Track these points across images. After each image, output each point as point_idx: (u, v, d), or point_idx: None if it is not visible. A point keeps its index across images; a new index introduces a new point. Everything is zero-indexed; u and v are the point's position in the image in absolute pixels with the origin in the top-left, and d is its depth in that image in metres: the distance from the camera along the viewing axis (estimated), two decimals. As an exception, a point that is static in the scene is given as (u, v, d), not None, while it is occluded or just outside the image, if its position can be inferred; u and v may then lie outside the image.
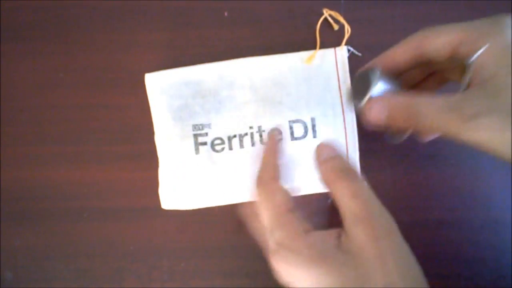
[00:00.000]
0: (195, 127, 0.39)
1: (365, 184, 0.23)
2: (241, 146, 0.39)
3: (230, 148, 0.39)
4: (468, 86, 0.23)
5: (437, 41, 0.24)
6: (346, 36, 0.39)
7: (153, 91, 0.39)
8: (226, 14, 0.41)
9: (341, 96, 0.39)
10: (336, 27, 0.40)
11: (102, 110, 0.42)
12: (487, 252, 0.40)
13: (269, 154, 0.26)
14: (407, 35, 0.41)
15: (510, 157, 0.21)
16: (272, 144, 0.26)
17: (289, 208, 0.23)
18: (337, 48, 0.39)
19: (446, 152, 0.40)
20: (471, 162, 0.40)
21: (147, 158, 0.40)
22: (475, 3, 0.40)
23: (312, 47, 0.39)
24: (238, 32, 0.41)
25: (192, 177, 0.39)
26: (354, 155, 0.38)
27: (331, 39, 0.40)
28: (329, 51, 0.39)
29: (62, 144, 0.42)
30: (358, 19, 0.40)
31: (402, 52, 0.25)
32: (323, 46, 0.39)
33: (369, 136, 0.38)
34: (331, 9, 0.40)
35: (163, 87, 0.39)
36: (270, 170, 0.26)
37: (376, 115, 0.24)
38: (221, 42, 0.41)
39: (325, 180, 0.23)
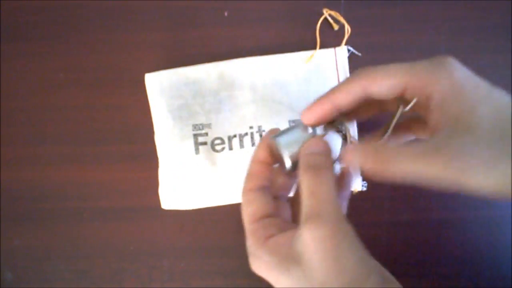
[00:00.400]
0: (195, 127, 0.39)
1: (328, 183, 0.22)
2: (241, 146, 0.39)
3: (230, 148, 0.39)
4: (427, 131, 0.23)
5: (382, 85, 0.24)
6: (346, 36, 0.39)
7: (153, 91, 0.39)
8: (226, 14, 0.41)
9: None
10: (336, 27, 0.40)
11: (102, 110, 0.42)
12: (487, 252, 0.40)
13: (250, 162, 0.27)
14: (407, 35, 0.41)
15: (501, 194, 0.21)
16: (256, 151, 0.27)
17: (257, 219, 0.25)
18: (337, 48, 0.39)
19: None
20: (471, 162, 0.40)
21: (147, 158, 0.40)
22: (475, 3, 0.40)
23: (312, 47, 0.39)
24: (238, 32, 0.41)
25: (192, 177, 0.39)
26: None
27: (331, 39, 0.40)
28: (329, 51, 0.39)
29: (62, 144, 0.42)
30: (358, 19, 0.40)
31: (345, 95, 0.25)
32: (323, 46, 0.39)
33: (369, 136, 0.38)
34: (331, 9, 0.40)
35: (163, 87, 0.39)
36: (248, 180, 0.27)
37: (351, 160, 0.24)
38: (221, 42, 0.41)
39: (299, 174, 0.24)
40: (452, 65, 0.22)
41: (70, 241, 0.42)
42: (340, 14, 0.39)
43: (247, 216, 0.26)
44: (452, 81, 0.22)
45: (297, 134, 0.26)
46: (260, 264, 0.24)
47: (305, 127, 0.26)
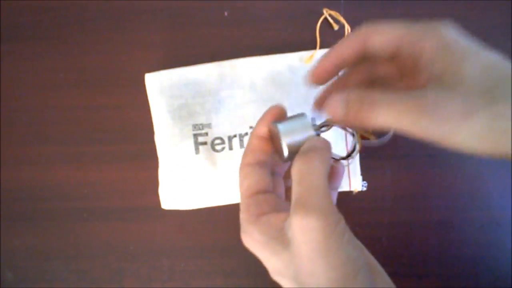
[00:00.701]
0: (195, 127, 0.39)
1: (320, 170, 0.22)
2: (241, 146, 0.39)
3: (230, 148, 0.39)
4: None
5: (381, 37, 0.24)
6: (346, 36, 0.39)
7: (153, 91, 0.39)
8: (226, 14, 0.41)
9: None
10: (336, 27, 0.40)
11: (102, 110, 0.42)
12: (487, 252, 0.40)
13: (250, 137, 0.27)
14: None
15: (476, 148, 0.20)
16: (257, 126, 0.27)
17: (252, 193, 0.25)
18: (337, 48, 0.39)
19: (446, 152, 0.40)
20: (471, 162, 0.40)
21: (147, 158, 0.40)
22: (475, 3, 0.40)
23: (312, 47, 0.39)
24: (238, 32, 0.41)
25: (192, 177, 0.39)
26: (354, 156, 0.38)
27: (331, 39, 0.40)
28: (329, 51, 0.39)
29: (62, 144, 0.42)
30: (358, 19, 0.40)
31: (346, 47, 0.26)
32: (323, 46, 0.39)
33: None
34: (331, 9, 0.40)
35: (163, 87, 0.39)
36: (246, 155, 0.27)
37: (334, 110, 0.24)
38: (221, 42, 0.41)
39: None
40: (447, 25, 0.23)
41: (70, 241, 0.42)
42: (340, 14, 0.39)
43: (243, 190, 0.26)
44: (443, 39, 0.22)
45: (300, 124, 0.25)
46: (251, 241, 0.24)
47: (309, 119, 0.26)
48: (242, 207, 0.25)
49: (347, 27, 0.39)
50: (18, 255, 0.42)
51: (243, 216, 0.25)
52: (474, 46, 0.22)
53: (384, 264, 0.24)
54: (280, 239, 0.22)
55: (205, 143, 0.39)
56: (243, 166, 0.26)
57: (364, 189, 0.39)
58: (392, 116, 0.21)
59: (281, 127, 0.25)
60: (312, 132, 0.25)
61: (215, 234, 0.41)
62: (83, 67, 0.42)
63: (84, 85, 0.42)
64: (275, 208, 0.24)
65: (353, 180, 0.39)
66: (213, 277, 0.41)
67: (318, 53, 0.39)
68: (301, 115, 0.26)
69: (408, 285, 0.40)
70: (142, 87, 0.39)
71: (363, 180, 0.39)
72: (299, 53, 0.39)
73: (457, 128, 0.20)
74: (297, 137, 0.25)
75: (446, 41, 0.22)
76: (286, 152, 0.25)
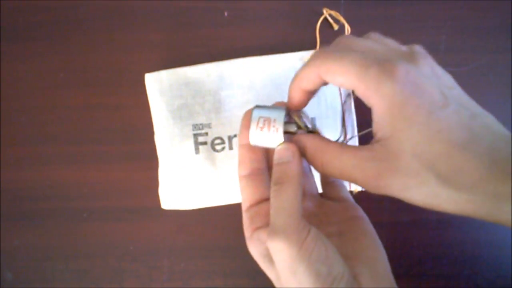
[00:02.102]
0: (195, 126, 0.39)
1: (289, 196, 0.23)
2: (241, 146, 0.39)
3: (231, 148, 0.39)
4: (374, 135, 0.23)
5: (334, 78, 0.24)
6: (346, 36, 0.39)
7: (153, 91, 0.39)
8: (226, 14, 0.41)
9: (340, 97, 0.39)
10: (336, 27, 0.40)
11: (102, 110, 0.42)
12: (487, 252, 0.40)
13: (238, 149, 0.27)
14: (407, 35, 0.41)
15: (423, 205, 0.21)
16: (239, 136, 0.27)
17: (246, 207, 0.27)
18: (337, 48, 0.39)
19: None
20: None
21: (147, 158, 0.40)
22: (475, 3, 0.40)
23: (312, 47, 0.40)
24: (238, 32, 0.41)
25: (192, 177, 0.39)
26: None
27: (331, 39, 0.40)
28: (329, 51, 0.39)
29: (62, 144, 0.42)
30: (358, 19, 0.40)
31: (306, 82, 0.25)
32: (323, 46, 0.39)
33: (369, 137, 0.38)
34: (331, 9, 0.40)
35: (163, 87, 0.39)
36: (239, 167, 0.27)
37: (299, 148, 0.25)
38: (221, 42, 0.41)
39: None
40: (401, 77, 0.21)
41: (70, 241, 0.42)
42: (340, 14, 0.39)
43: (242, 202, 0.27)
44: (393, 100, 0.21)
45: (274, 114, 0.25)
46: (252, 254, 0.26)
47: (283, 117, 0.26)
48: (243, 222, 0.27)
49: (347, 27, 0.39)
50: (18, 255, 0.42)
51: (244, 229, 0.26)
52: (427, 106, 0.21)
53: (384, 264, 0.24)
54: (268, 256, 0.24)
55: (205, 143, 0.39)
56: (239, 178, 0.27)
57: (364, 189, 0.39)
58: (343, 175, 0.23)
59: (256, 111, 0.25)
60: (280, 137, 0.25)
61: (215, 234, 0.41)
62: (83, 67, 0.42)
63: (84, 85, 0.42)
64: (267, 221, 0.25)
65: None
66: (213, 277, 0.41)
67: (318, 53, 0.39)
68: (280, 107, 0.26)
69: (408, 285, 0.40)
70: (142, 87, 0.39)
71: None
72: (299, 53, 0.39)
73: (398, 195, 0.22)
74: (264, 132, 0.25)
75: (396, 101, 0.21)
76: (252, 140, 0.26)
